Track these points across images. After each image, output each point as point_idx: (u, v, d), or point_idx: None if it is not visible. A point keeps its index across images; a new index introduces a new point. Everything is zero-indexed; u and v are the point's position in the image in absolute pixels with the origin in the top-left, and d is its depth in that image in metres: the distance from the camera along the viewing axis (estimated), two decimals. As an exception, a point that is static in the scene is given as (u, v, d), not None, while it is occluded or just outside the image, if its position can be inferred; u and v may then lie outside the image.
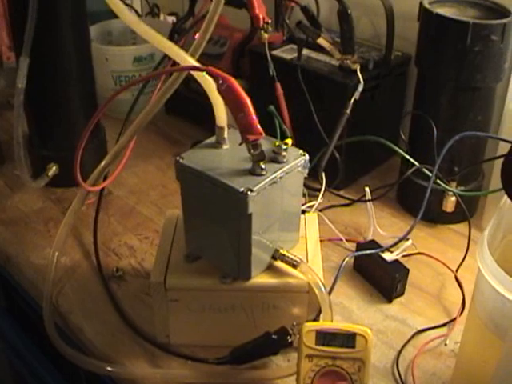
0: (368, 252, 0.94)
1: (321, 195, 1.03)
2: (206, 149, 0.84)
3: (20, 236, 1.08)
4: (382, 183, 1.18)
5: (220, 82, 0.74)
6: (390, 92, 1.18)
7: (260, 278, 0.83)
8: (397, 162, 1.18)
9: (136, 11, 1.64)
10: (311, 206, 1.06)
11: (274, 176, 0.77)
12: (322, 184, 1.04)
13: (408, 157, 1.02)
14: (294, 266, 0.82)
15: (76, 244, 1.05)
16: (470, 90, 1.01)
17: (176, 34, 1.33)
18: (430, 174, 0.97)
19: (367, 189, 1.03)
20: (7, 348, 1.43)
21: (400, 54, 1.18)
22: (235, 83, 0.74)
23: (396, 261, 0.96)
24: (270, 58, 1.11)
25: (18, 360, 1.38)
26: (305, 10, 1.10)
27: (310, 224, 0.92)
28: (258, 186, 0.75)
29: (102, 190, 1.06)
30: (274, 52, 1.18)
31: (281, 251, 0.83)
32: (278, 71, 1.12)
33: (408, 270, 0.95)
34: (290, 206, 0.84)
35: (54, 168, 1.14)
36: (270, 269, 0.84)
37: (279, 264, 0.84)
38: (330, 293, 0.89)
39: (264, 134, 0.75)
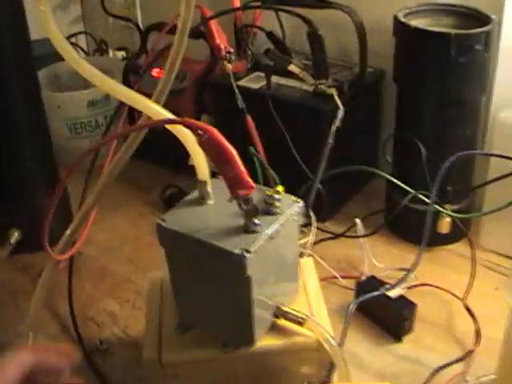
0: (374, 294, 0.86)
1: (312, 235, 0.95)
2: (189, 207, 0.76)
3: (-13, 314, 0.98)
4: (368, 208, 1.13)
5: (200, 133, 0.67)
6: (366, 111, 1.12)
7: (264, 341, 0.75)
8: (378, 182, 1.13)
9: (82, 49, 1.55)
10: (301, 245, 0.99)
11: (270, 231, 0.70)
12: (311, 222, 0.96)
13: (404, 186, 0.95)
14: (300, 324, 0.74)
15: (51, 316, 0.96)
16: (456, 104, 0.96)
17: (131, 73, 1.25)
18: (427, 201, 0.91)
19: (358, 221, 0.96)
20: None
21: (372, 70, 1.11)
22: (218, 134, 0.66)
23: (401, 296, 0.89)
24: (237, 90, 1.03)
25: None
26: (271, 36, 1.03)
27: (307, 270, 0.85)
28: (254, 246, 0.67)
29: (72, 255, 0.97)
30: (240, 82, 1.10)
31: (283, 308, 0.75)
32: (245, 103, 1.04)
33: (415, 305, 0.89)
34: (288, 255, 0.76)
35: (15, 234, 1.05)
36: (274, 329, 0.76)
37: (282, 322, 0.76)
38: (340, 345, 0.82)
39: (255, 187, 0.67)
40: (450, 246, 1.05)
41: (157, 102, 0.74)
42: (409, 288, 0.92)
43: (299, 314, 0.74)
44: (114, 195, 1.19)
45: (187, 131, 0.70)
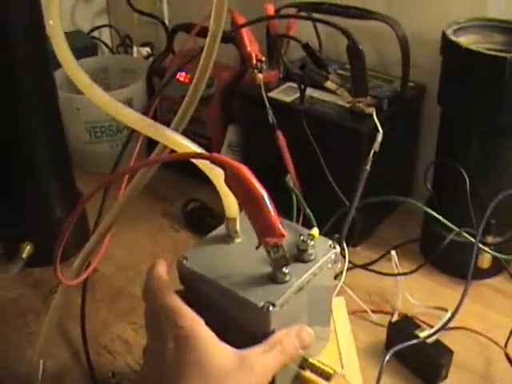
0: (411, 343, 0.79)
1: (345, 271, 0.88)
2: (214, 244, 0.69)
3: (-6, 335, 0.92)
4: (402, 231, 1.07)
5: (229, 171, 0.60)
6: (405, 131, 1.05)
7: (286, 395, 0.69)
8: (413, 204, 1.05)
9: (106, 44, 1.49)
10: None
11: (299, 282, 0.63)
12: (344, 256, 0.88)
13: (448, 223, 0.88)
14: (327, 379, 0.67)
15: (62, 340, 0.90)
16: (508, 133, 0.88)
17: (155, 76, 1.18)
18: (472, 240, 0.84)
19: (394, 254, 0.89)
20: None
21: (413, 85, 1.03)
22: (247, 173, 0.60)
23: (437, 341, 0.82)
24: (267, 104, 0.96)
25: None
26: (307, 47, 0.95)
27: (338, 312, 0.78)
28: (281, 299, 0.61)
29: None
30: (271, 94, 1.02)
31: (310, 360, 0.68)
32: (276, 116, 0.96)
33: (452, 352, 0.82)
34: (319, 304, 0.69)
35: (28, 248, 0.99)
36: (298, 381, 0.69)
37: (308, 374, 0.69)
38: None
39: (286, 235, 0.60)
40: (488, 281, 0.98)
41: (177, 128, 0.67)
42: (445, 329, 0.86)
43: (326, 369, 0.67)
44: (132, 206, 1.13)
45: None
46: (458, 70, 0.89)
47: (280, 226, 0.60)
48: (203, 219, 1.08)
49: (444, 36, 0.89)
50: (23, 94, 0.94)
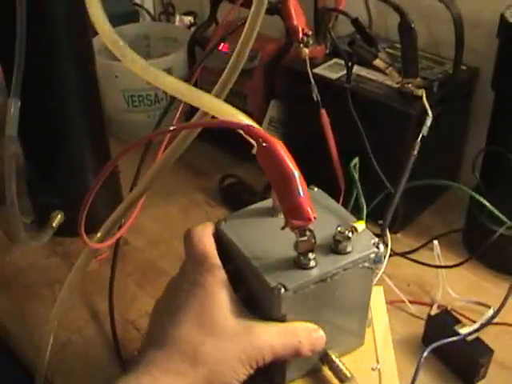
0: (451, 340, 0.76)
1: (386, 259, 0.84)
2: (256, 215, 0.67)
3: (21, 305, 0.90)
4: (445, 220, 1.02)
5: (262, 144, 0.57)
6: (454, 116, 0.99)
7: (296, 385, 0.65)
8: (458, 192, 1.00)
9: (148, 12, 1.45)
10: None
11: (322, 273, 0.59)
12: (387, 245, 0.84)
13: (500, 214, 0.83)
14: (341, 381, 0.63)
15: (88, 314, 0.88)
16: None
17: (197, 46, 1.14)
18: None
19: (436, 244, 0.85)
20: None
21: (465, 68, 0.98)
22: (280, 148, 0.56)
23: (477, 338, 0.79)
24: (312, 80, 0.92)
25: None
26: (356, 23, 0.91)
27: (376, 302, 0.74)
28: (295, 284, 0.58)
29: (117, 244, 0.88)
30: (316, 70, 0.98)
31: (331, 355, 0.64)
32: (320, 93, 0.92)
33: (492, 351, 0.78)
34: (351, 304, 0.65)
35: (59, 216, 0.97)
36: (313, 374, 0.66)
37: (326, 371, 0.65)
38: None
39: (313, 219, 0.56)
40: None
41: (219, 94, 0.64)
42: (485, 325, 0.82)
43: (344, 370, 0.63)
44: (167, 179, 1.09)
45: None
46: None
47: (309, 210, 0.56)
48: (240, 195, 1.05)
49: (502, 18, 0.84)
50: (60, 60, 0.91)
